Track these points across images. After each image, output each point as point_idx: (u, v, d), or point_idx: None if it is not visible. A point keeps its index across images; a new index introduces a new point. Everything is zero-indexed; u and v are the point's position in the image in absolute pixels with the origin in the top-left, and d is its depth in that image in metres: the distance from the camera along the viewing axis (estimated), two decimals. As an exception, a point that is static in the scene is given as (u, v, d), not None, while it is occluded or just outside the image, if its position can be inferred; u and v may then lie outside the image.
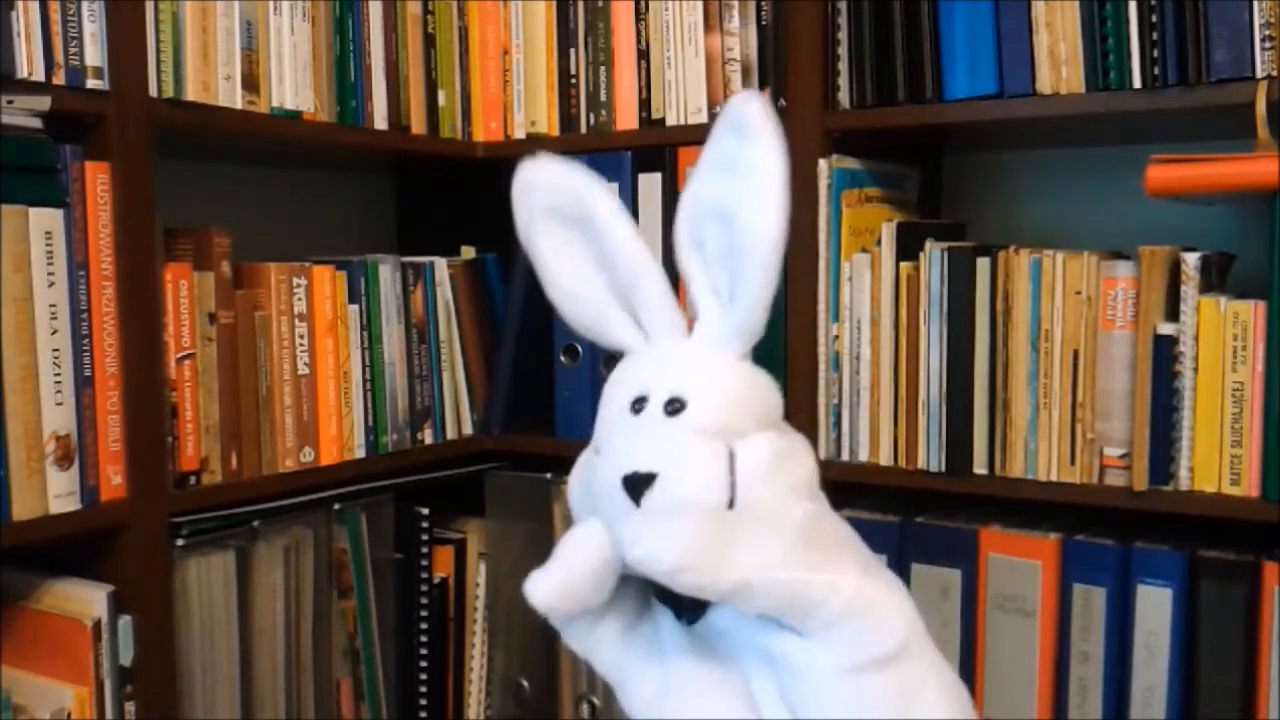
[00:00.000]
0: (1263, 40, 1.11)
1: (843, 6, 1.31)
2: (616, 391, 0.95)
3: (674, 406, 0.90)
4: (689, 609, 0.94)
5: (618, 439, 0.92)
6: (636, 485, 0.87)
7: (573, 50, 1.51)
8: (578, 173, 0.96)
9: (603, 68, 1.49)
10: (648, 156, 1.43)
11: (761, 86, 1.38)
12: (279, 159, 1.60)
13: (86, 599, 1.15)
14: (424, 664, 1.51)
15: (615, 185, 1.44)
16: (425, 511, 1.51)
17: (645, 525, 0.87)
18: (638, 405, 0.92)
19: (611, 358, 1.42)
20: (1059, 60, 1.20)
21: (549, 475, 1.48)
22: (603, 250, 0.95)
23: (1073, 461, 1.22)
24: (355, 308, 1.41)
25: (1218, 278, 1.21)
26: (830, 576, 0.88)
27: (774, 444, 0.91)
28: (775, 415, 0.95)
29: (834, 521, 0.95)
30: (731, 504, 0.88)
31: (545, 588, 0.91)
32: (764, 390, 0.94)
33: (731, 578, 0.86)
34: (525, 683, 1.51)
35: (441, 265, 1.53)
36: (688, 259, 0.95)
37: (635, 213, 1.43)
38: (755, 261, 0.89)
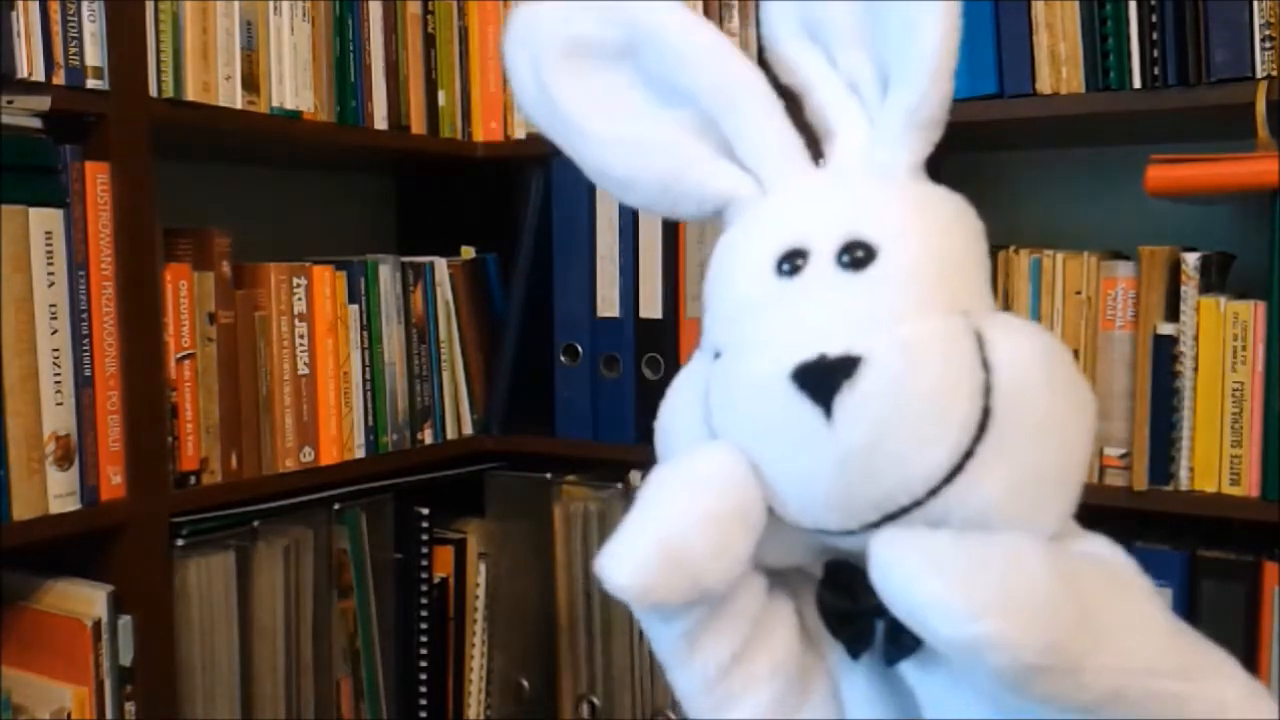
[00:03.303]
0: (1263, 40, 1.11)
1: (843, 6, 1.30)
2: (740, 255, 0.65)
3: (857, 255, 0.60)
4: (900, 642, 0.58)
5: (764, 318, 0.61)
6: (822, 379, 0.55)
7: (573, 50, 1.50)
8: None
9: (603, 68, 1.49)
10: (648, 156, 1.43)
11: (761, 86, 1.38)
12: (279, 159, 1.60)
13: (86, 599, 1.15)
14: (424, 664, 1.51)
15: (615, 185, 1.44)
16: (425, 511, 1.51)
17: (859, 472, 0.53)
18: (792, 263, 0.62)
19: (612, 359, 1.40)
20: (1059, 60, 1.20)
21: (549, 475, 1.48)
22: (671, 77, 0.68)
23: (1073, 461, 1.21)
24: (355, 308, 1.41)
25: (1218, 278, 1.21)
26: (1213, 684, 0.57)
27: (1043, 336, 0.59)
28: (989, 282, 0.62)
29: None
30: (982, 429, 0.56)
31: (631, 561, 0.56)
32: (979, 234, 0.64)
33: (1097, 667, 0.52)
34: (525, 683, 1.51)
35: (441, 265, 1.53)
36: (800, 57, 0.68)
37: (635, 212, 1.43)
38: (916, 16, 0.60)
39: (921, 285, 0.60)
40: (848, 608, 0.60)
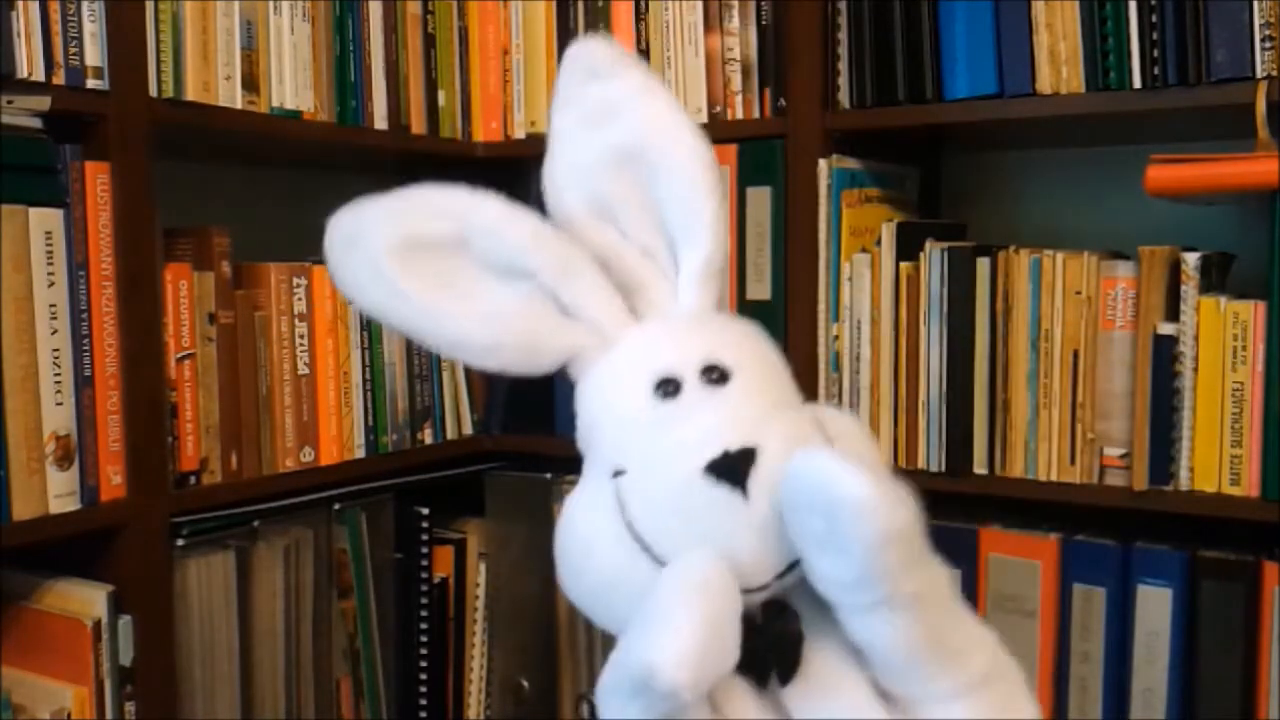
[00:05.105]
0: (1263, 40, 1.11)
1: (843, 6, 1.31)
2: (619, 391, 0.79)
3: (713, 377, 0.77)
4: (785, 660, 0.75)
5: (659, 434, 0.76)
6: (733, 469, 0.71)
7: (573, 50, 1.51)
8: (429, 194, 0.81)
9: (603, 68, 1.49)
10: (648, 156, 1.43)
11: (761, 86, 1.38)
12: (279, 159, 1.60)
13: (86, 599, 1.15)
14: (424, 664, 1.51)
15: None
16: (425, 511, 1.51)
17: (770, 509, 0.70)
18: (666, 389, 0.77)
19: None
20: (1059, 60, 1.20)
21: (549, 475, 1.48)
22: (507, 261, 0.81)
23: (1073, 461, 1.22)
24: (355, 307, 1.41)
25: (1218, 278, 1.21)
26: (975, 628, 0.77)
27: (848, 414, 0.81)
28: None
29: None
30: None
31: (686, 657, 0.66)
32: (775, 346, 0.83)
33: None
34: (525, 683, 1.51)
35: (441, 265, 1.53)
36: (596, 234, 0.83)
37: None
38: (692, 191, 0.79)
39: (769, 393, 0.77)
40: (753, 645, 0.73)
